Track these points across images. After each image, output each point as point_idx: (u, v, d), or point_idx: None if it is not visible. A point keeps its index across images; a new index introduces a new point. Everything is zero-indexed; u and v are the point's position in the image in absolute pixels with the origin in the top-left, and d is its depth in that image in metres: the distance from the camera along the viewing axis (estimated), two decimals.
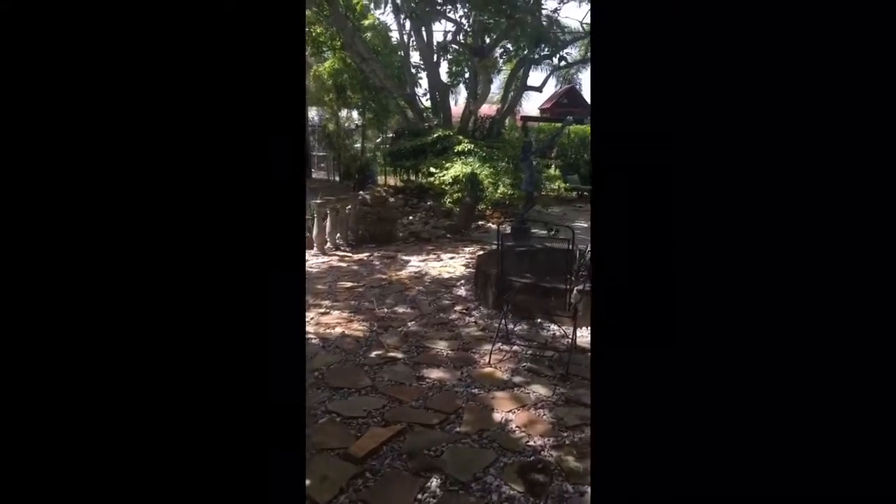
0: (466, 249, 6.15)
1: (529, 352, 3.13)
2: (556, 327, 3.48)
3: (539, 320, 3.58)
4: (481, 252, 5.69)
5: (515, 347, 3.19)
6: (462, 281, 4.76)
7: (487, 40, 7.79)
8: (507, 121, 10.28)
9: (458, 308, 3.96)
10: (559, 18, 7.62)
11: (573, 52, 10.34)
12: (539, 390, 2.60)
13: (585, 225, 8.32)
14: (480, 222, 7.97)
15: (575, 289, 3.44)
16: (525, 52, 8.34)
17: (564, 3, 7.54)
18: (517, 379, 2.73)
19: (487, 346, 3.09)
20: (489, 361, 2.93)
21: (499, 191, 7.95)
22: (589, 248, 5.11)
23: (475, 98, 8.69)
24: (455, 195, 7.97)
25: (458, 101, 12.80)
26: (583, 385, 2.66)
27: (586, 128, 10.93)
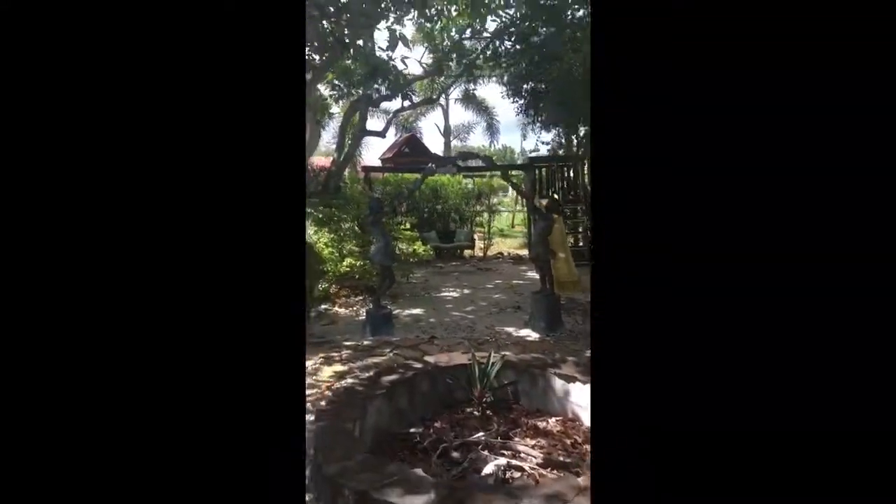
0: None
1: None
2: None
3: None
4: (330, 377, 3.70)
5: None
6: None
7: (309, 75, 6.01)
8: (346, 173, 8.52)
9: None
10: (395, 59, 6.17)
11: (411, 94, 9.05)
12: None
13: (456, 294, 6.79)
14: (323, 307, 5.93)
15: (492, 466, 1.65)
16: (360, 90, 6.71)
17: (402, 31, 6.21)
18: None
19: None
20: None
21: (344, 262, 6.06)
22: (496, 360, 3.25)
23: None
24: None
25: None
26: None
27: (439, 177, 9.70)
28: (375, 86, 6.32)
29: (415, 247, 6.67)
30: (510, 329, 4.90)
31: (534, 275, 8.14)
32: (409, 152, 14.13)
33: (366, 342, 4.55)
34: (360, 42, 4.41)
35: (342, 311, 5.93)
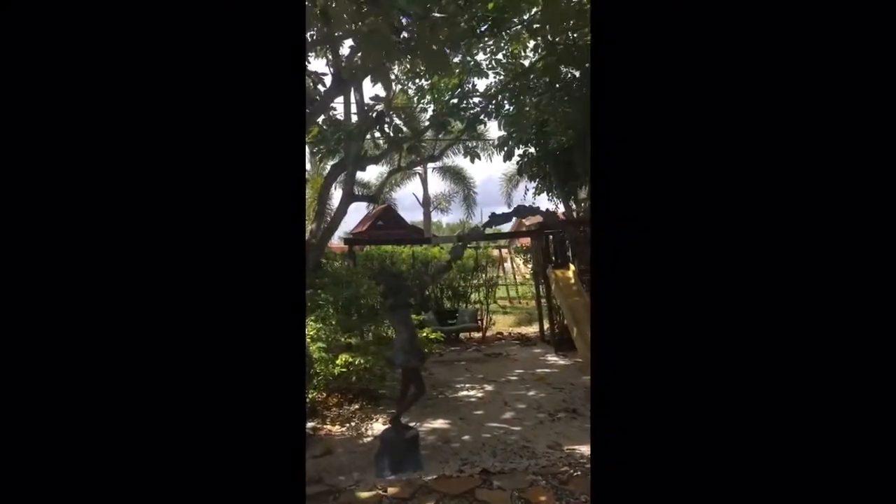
0: None
1: None
2: None
3: None
4: None
5: None
6: None
7: None
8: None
9: None
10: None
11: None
12: None
13: (478, 393, 5.33)
14: (311, 423, 4.35)
15: None
16: (339, 147, 5.53)
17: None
18: None
19: None
20: None
21: (339, 360, 4.58)
22: None
23: None
24: None
25: None
26: None
27: (427, 249, 8.50)
28: (367, 139, 5.22)
29: (425, 333, 5.28)
30: (584, 449, 3.52)
31: (557, 360, 6.87)
32: (383, 224, 12.99)
33: (390, 488, 3.05)
34: (376, 78, 3.33)
35: (336, 429, 4.37)
